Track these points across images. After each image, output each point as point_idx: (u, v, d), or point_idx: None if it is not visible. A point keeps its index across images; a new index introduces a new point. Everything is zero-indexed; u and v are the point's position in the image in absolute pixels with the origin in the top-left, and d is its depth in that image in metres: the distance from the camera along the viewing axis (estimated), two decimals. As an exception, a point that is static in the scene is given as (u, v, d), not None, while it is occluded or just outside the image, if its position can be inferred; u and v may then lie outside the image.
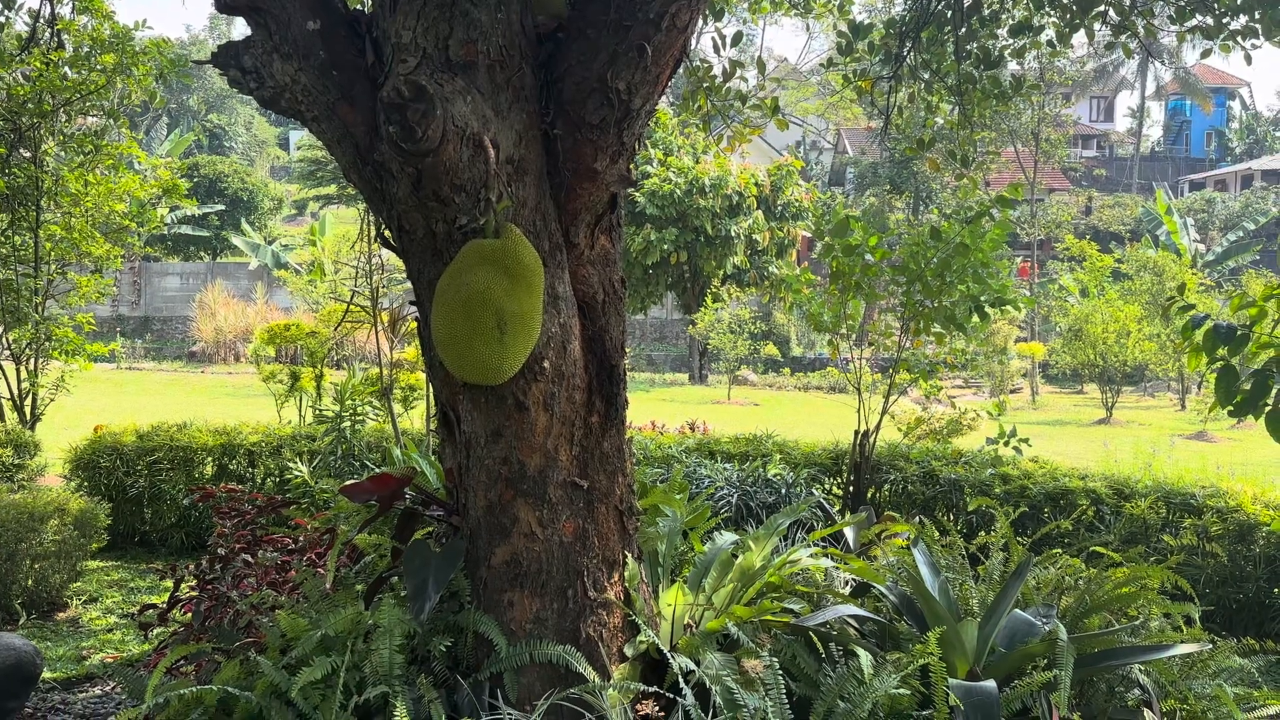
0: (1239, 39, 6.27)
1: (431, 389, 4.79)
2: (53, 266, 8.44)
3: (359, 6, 2.67)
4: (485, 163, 2.40)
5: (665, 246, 20.19)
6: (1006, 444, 6.27)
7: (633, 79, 2.53)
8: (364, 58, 2.53)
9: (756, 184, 21.23)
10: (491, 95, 2.48)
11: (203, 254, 32.61)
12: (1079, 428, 15.17)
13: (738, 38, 7.40)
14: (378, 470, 3.60)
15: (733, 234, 20.53)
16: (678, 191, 20.05)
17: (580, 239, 2.79)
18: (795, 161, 23.06)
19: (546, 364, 2.62)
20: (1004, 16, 7.12)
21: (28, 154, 8.25)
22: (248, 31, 2.57)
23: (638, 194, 20.27)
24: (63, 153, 8.51)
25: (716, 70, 7.19)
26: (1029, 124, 23.57)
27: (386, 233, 2.74)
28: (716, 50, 7.26)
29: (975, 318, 6.17)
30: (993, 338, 16.49)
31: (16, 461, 6.67)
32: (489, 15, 2.44)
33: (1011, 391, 19.04)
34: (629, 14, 2.46)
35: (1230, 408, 4.13)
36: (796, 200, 22.04)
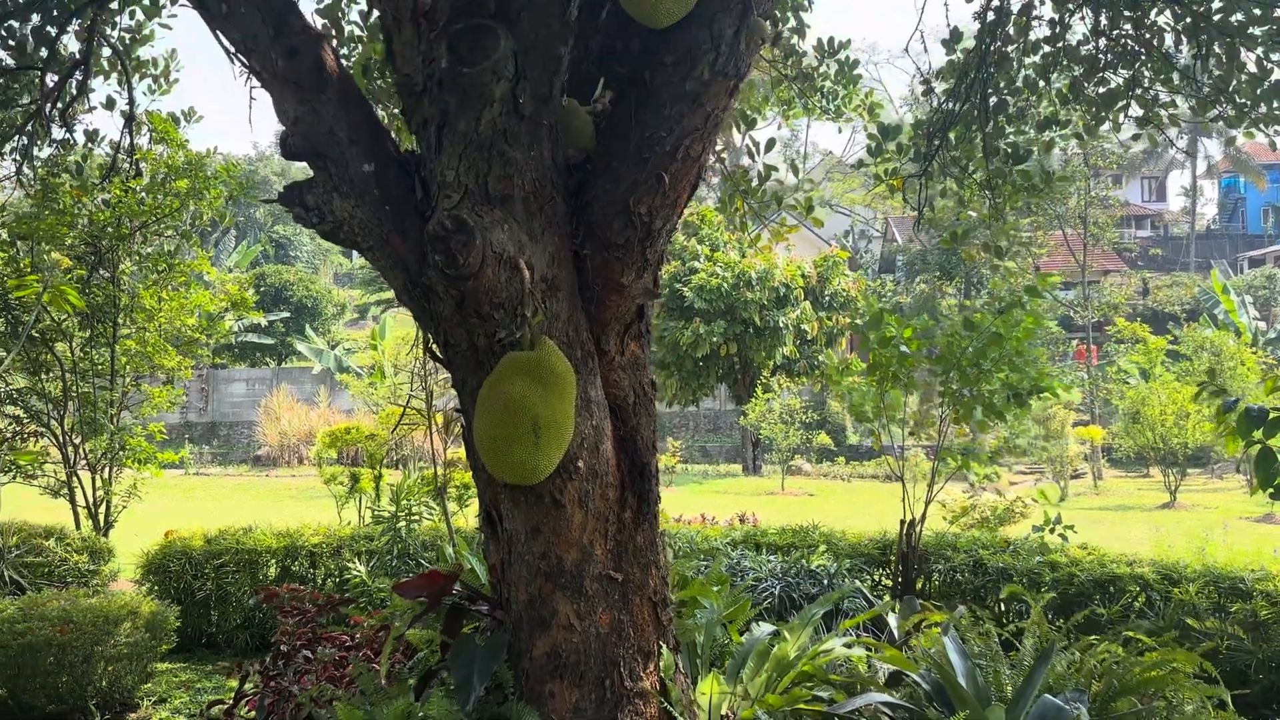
0: (1261, 126, 6.42)
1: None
2: (127, 379, 8.93)
3: (409, 149, 2.96)
4: (521, 282, 2.65)
5: (714, 339, 20.46)
6: (1051, 531, 6.27)
7: (653, 203, 2.78)
8: (413, 194, 2.81)
9: (803, 275, 21.51)
10: (526, 222, 2.75)
11: (268, 360, 33.67)
12: (1142, 512, 14.86)
13: (770, 144, 7.72)
14: (430, 568, 3.80)
15: (781, 325, 20.75)
16: (725, 285, 20.41)
17: (611, 346, 3.01)
18: (841, 252, 23.35)
19: (581, 463, 2.81)
20: (1030, 112, 7.35)
21: (106, 274, 8.81)
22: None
23: (685, 289, 20.66)
24: (138, 271, 9.08)
25: (753, 174, 7.51)
26: (1076, 208, 23.66)
27: (434, 346, 2.99)
28: (751, 156, 7.59)
29: (1014, 406, 6.26)
30: (1049, 422, 16.34)
31: (92, 567, 6.99)
32: (523, 153, 2.72)
33: (1074, 476, 18.73)
34: (648, 147, 2.72)
35: (1271, 490, 4.17)
36: (844, 290, 22.26)
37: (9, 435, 8.46)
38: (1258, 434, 4.32)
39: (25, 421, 8.61)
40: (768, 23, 2.63)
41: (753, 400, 20.12)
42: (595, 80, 3.01)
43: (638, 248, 2.83)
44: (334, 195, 2.80)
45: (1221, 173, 54.21)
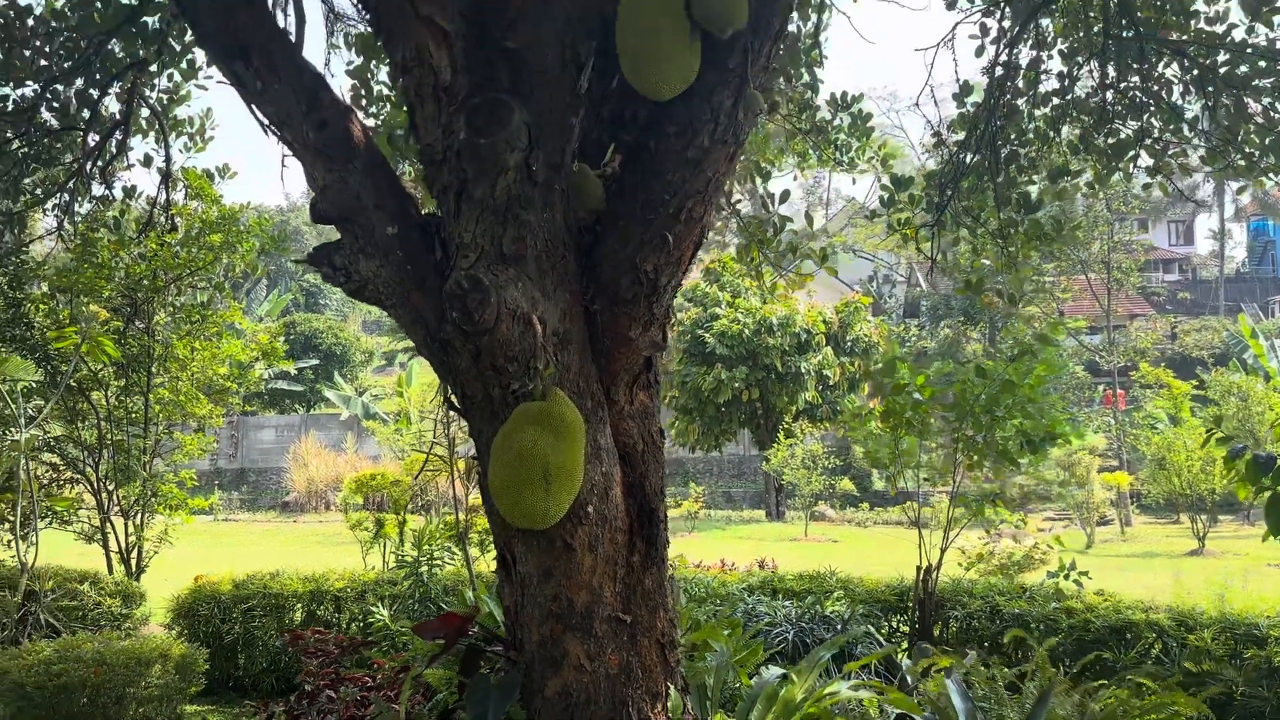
0: (1270, 175, 6.52)
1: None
2: (160, 427, 9.17)
3: (429, 211, 3.14)
4: (534, 337, 2.81)
5: (737, 385, 20.58)
6: (1066, 577, 6.31)
7: (659, 262, 2.94)
8: (433, 254, 2.99)
9: (824, 321, 21.64)
10: (539, 280, 2.91)
11: (297, 406, 34.09)
12: (1169, 559, 14.70)
13: (785, 195, 7.90)
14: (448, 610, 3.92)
15: (803, 370, 20.85)
16: (746, 331, 20.57)
17: (621, 396, 3.16)
18: (862, 298, 23.47)
19: (590, 509, 2.95)
20: (1042, 162, 7.48)
21: (141, 325, 9.09)
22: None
23: (708, 335, 20.83)
24: (172, 322, 9.36)
25: (769, 225, 7.67)
26: (1099, 253, 23.70)
27: (453, 397, 3.15)
28: (765, 207, 7.77)
29: (1028, 452, 6.33)
30: (1074, 468, 16.25)
31: (124, 611, 7.17)
32: (536, 216, 2.89)
33: (1101, 523, 18.58)
34: (653, 209, 2.89)
35: (1280, 536, 4.23)
36: (866, 335, 22.34)
37: (45, 482, 8.70)
38: (1267, 480, 4.39)
39: (61, 469, 8.85)
40: (763, 96, 2.80)
41: (775, 446, 20.16)
42: (606, 145, 3.19)
43: (645, 303, 2.99)
44: (360, 256, 2.98)
45: (1250, 216, 53.98)
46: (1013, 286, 7.72)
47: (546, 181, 2.88)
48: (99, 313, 8.36)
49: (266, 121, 2.99)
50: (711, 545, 15.44)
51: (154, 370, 9.01)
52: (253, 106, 2.96)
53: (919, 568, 6.35)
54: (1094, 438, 17.46)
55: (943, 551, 6.43)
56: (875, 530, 19.76)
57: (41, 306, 8.82)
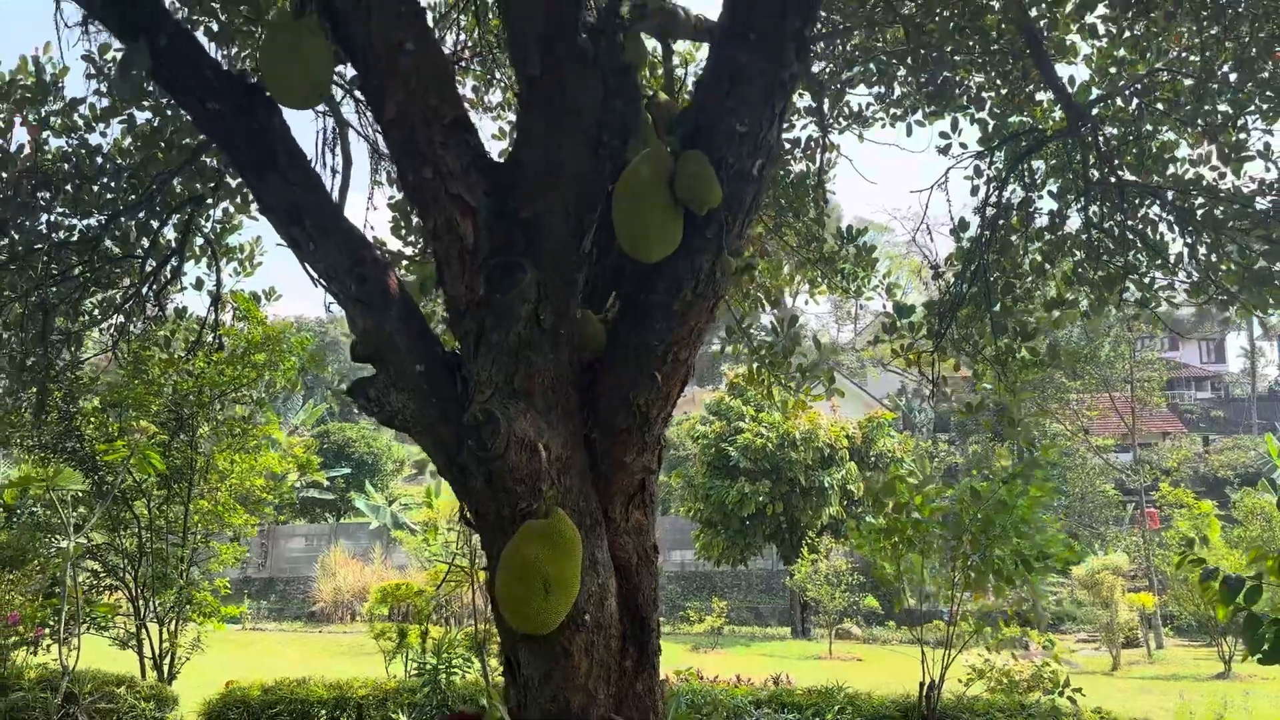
0: (1250, 309, 6.89)
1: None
2: (198, 536, 9.61)
3: (452, 348, 3.60)
4: (539, 462, 3.22)
5: (760, 498, 20.77)
6: (1061, 694, 6.47)
7: (649, 397, 3.37)
8: (454, 387, 3.44)
9: (848, 436, 21.89)
10: (545, 412, 3.34)
11: (328, 515, 34.48)
12: (1194, 682, 14.49)
13: (793, 321, 8.37)
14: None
15: (827, 485, 21.02)
16: (770, 445, 20.86)
17: (617, 515, 3.54)
18: (886, 414, 23.74)
19: (588, 617, 3.30)
20: (1036, 293, 7.88)
21: (185, 438, 9.62)
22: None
23: (731, 448, 21.14)
24: (213, 435, 9.88)
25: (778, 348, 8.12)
26: (1120, 371, 23.94)
27: (469, 514, 3.55)
28: (775, 331, 8.22)
29: (1024, 571, 6.57)
30: (1098, 589, 16.18)
31: (157, 714, 7.47)
32: (543, 357, 3.34)
33: (1128, 644, 18.31)
34: (644, 352, 3.33)
35: (1259, 656, 4.46)
36: (890, 450, 22.53)
37: (87, 589, 9.11)
38: (1240, 600, 4.65)
39: (102, 575, 9.28)
40: (736, 260, 3.27)
41: (799, 561, 20.20)
42: (609, 293, 3.67)
43: (637, 433, 3.40)
44: (391, 390, 3.43)
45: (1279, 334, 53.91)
46: (1012, 410, 8.07)
47: (553, 328, 3.34)
48: (147, 428, 8.89)
49: (316, 275, 3.49)
50: (732, 661, 15.44)
51: (194, 481, 9.49)
52: (305, 264, 3.47)
53: (922, 684, 6.55)
54: (1117, 557, 17.39)
55: (944, 669, 6.63)
56: (902, 649, 19.57)
57: (92, 420, 9.37)
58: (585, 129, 3.25)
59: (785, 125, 7.80)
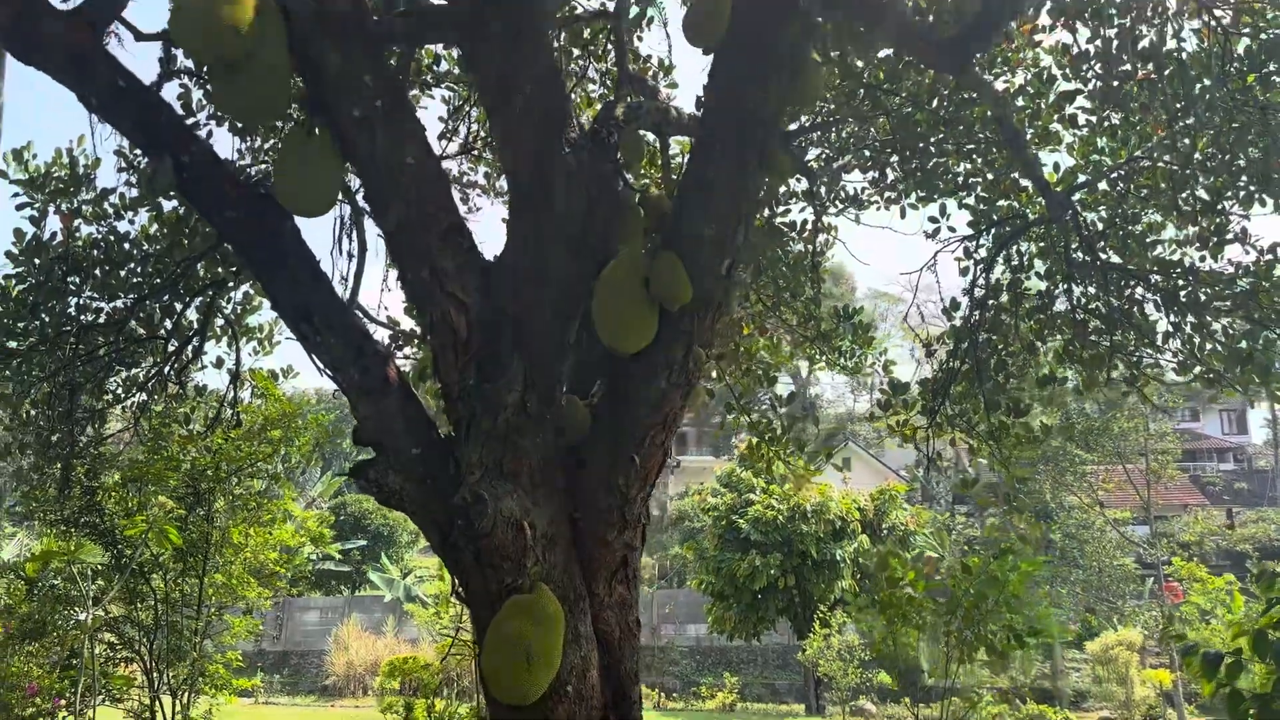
0: (1236, 388, 7.06)
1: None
2: (212, 609, 9.80)
3: (446, 432, 3.86)
4: (524, 540, 3.46)
5: (772, 571, 20.74)
6: (1054, 770, 6.52)
7: (628, 478, 3.61)
8: (447, 469, 3.69)
9: (859, 509, 21.90)
10: (531, 492, 3.58)
11: (342, 588, 34.49)
12: (1215, 761, 14.28)
13: (791, 397, 8.60)
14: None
15: (838, 558, 20.98)
16: (780, 517, 20.90)
17: (601, 590, 3.75)
18: (897, 486, 23.74)
19: (570, 688, 3.50)
20: (1028, 370, 8.07)
21: (202, 512, 9.87)
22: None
23: (742, 520, 21.19)
24: (229, 509, 10.13)
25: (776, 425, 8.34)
26: (1133, 443, 23.92)
27: (460, 589, 3.77)
28: (774, 408, 8.45)
29: (1016, 646, 6.68)
30: (1112, 664, 16.03)
31: (166, 787, 7.59)
32: (530, 441, 3.59)
33: (1150, 721, 18.05)
34: (623, 436, 3.59)
35: (1244, 730, 4.58)
36: (902, 523, 22.50)
37: (102, 660, 9.29)
38: (1222, 675, 4.78)
39: (118, 648, 9.46)
40: (707, 351, 3.53)
41: (810, 636, 20.09)
42: (593, 380, 3.94)
43: (618, 512, 3.64)
44: (390, 472, 3.69)
45: (1300, 404, 53.40)
46: (1007, 486, 8.22)
47: (539, 414, 3.60)
48: (165, 502, 9.16)
49: (323, 366, 3.78)
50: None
51: (210, 555, 9.71)
52: (313, 356, 3.75)
53: (919, 758, 6.62)
54: (1131, 632, 17.23)
55: (940, 743, 6.69)
56: (916, 726, 19.31)
57: (113, 495, 9.64)
58: (570, 234, 3.56)
59: (781, 209, 8.15)
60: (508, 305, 3.54)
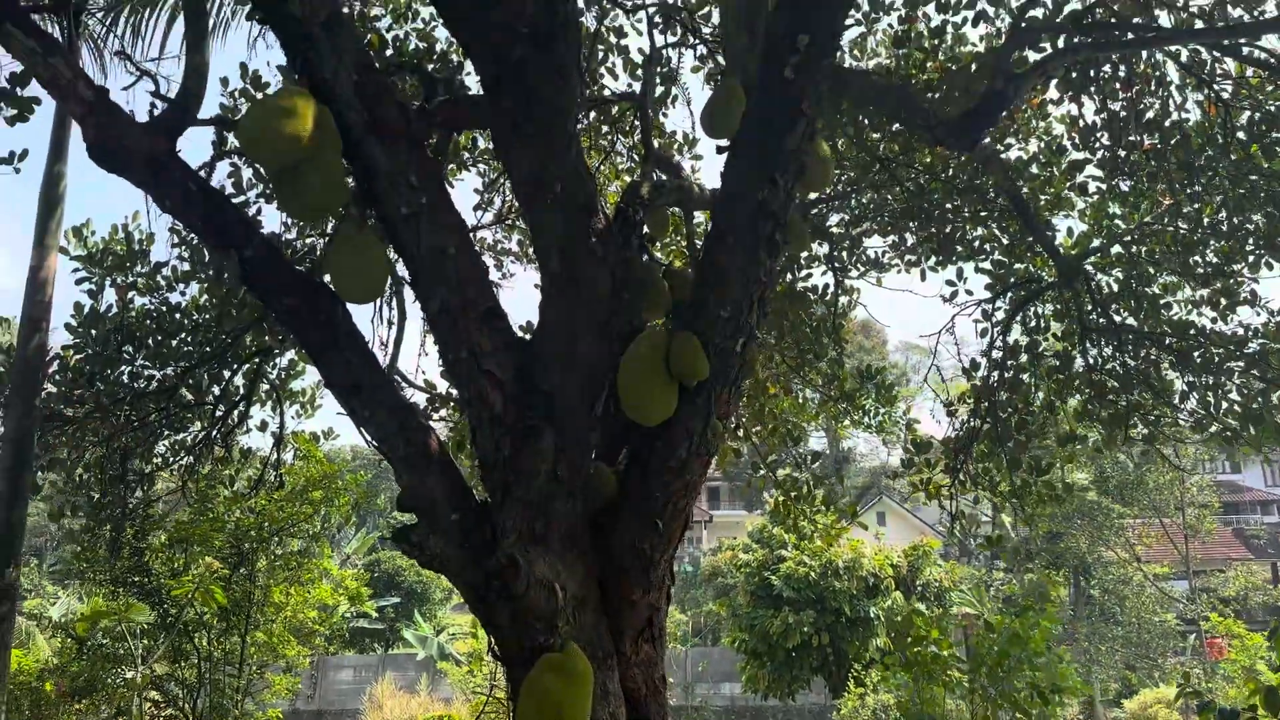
0: (1251, 447, 7.17)
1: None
2: (253, 667, 10.06)
3: (483, 498, 4.14)
4: (556, 601, 3.71)
5: (805, 629, 20.67)
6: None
7: (653, 542, 3.86)
8: (484, 535, 3.96)
9: (892, 565, 21.83)
10: (562, 555, 3.84)
11: (376, 645, 34.62)
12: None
13: (816, 456, 8.80)
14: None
15: (872, 615, 20.89)
16: (813, 574, 20.88)
17: (627, 648, 3.99)
18: (931, 542, 23.64)
19: (599, 742, 3.72)
20: (1049, 428, 8.22)
21: (245, 572, 10.18)
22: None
23: (774, 577, 21.18)
24: (270, 569, 10.43)
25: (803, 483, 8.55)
26: (1169, 498, 23.70)
27: (495, 647, 4.03)
28: (799, 466, 8.66)
29: (1040, 703, 6.77)
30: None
31: (209, 842, 7.80)
32: (561, 507, 3.86)
33: (1192, 783, 17.64)
34: (647, 501, 3.85)
35: (1259, 787, 4.70)
36: (936, 580, 22.38)
37: (148, 719, 9.56)
38: (1238, 731, 4.90)
39: (163, 705, 9.73)
40: (723, 424, 3.81)
41: (845, 695, 19.94)
42: (621, 446, 4.22)
43: (643, 574, 3.89)
44: (430, 536, 3.96)
45: (1344, 455, 52.49)
46: (1035, 540, 8.34)
47: (569, 481, 3.88)
48: (211, 563, 9.49)
49: (369, 437, 4.08)
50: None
51: (252, 614, 10.01)
52: (360, 428, 4.06)
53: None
54: (1168, 689, 16.97)
55: (967, 802, 6.77)
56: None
57: (160, 555, 9.99)
58: (596, 315, 3.86)
59: (803, 274, 8.42)
60: (540, 381, 3.83)
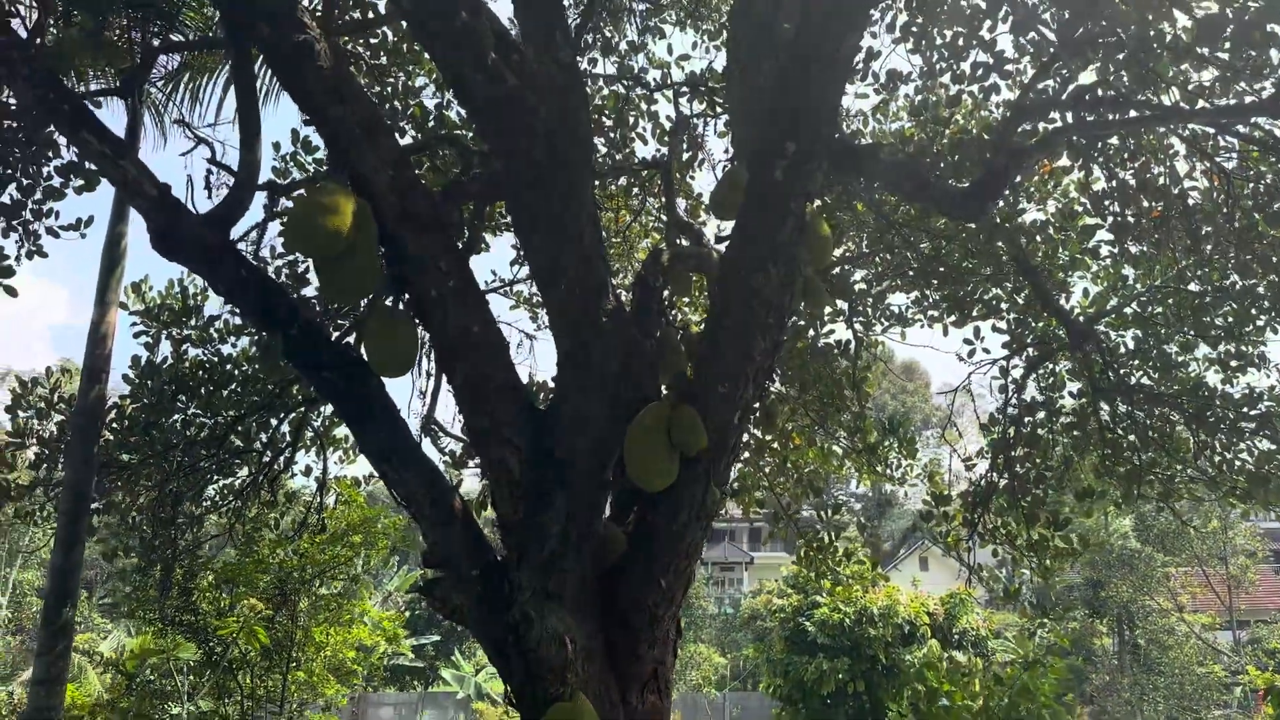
0: (1266, 504, 7.30)
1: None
2: (294, 705, 10.42)
3: (501, 555, 4.47)
4: (566, 654, 4.02)
5: (840, 676, 20.63)
6: None
7: (657, 599, 4.16)
8: (501, 590, 4.29)
9: (928, 613, 21.74)
10: (573, 610, 4.15)
11: (416, 683, 34.92)
12: None
13: (836, 508, 9.04)
14: None
15: (908, 663, 20.79)
16: (847, 620, 20.87)
17: (634, 699, 4.28)
18: (966, 590, 23.49)
19: (604, 787, 4.00)
20: (1067, 483, 8.37)
21: (287, 612, 10.58)
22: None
23: (808, 623, 21.19)
24: (311, 609, 10.83)
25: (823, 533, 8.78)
26: (1211, 548, 23.38)
27: (511, 696, 4.34)
28: (820, 515, 8.89)
29: (1052, 756, 6.91)
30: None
31: None
32: (573, 565, 4.18)
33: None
34: (651, 561, 4.15)
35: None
36: (973, 628, 22.22)
37: (192, 754, 9.93)
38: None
39: (206, 742, 10.11)
40: (721, 490, 4.12)
41: (881, 744, 19.86)
42: (630, 507, 4.54)
43: (648, 629, 4.18)
44: (453, 590, 4.30)
45: (1403, 503, 50.97)
46: (1052, 593, 8.47)
47: (579, 541, 4.20)
48: (255, 604, 9.90)
49: (399, 497, 4.45)
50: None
51: (293, 653, 10.39)
52: (391, 490, 4.43)
53: None
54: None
55: None
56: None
57: (207, 595, 10.42)
58: (607, 388, 4.20)
59: (826, 330, 8.69)
60: (554, 449, 4.17)
